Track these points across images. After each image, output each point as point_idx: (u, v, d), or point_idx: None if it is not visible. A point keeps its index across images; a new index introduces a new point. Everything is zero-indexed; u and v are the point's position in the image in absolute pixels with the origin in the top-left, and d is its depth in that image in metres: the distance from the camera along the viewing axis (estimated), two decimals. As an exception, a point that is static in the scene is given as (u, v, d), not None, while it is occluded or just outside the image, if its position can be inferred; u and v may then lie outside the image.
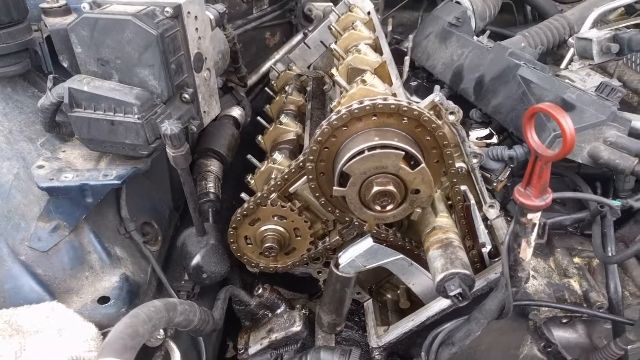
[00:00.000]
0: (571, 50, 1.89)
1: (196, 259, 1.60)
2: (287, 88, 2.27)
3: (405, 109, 1.23)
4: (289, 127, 2.03)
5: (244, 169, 2.19)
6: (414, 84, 2.29)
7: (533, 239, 1.04)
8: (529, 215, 1.00)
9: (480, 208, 1.51)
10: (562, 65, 1.91)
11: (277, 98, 2.33)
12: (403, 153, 1.19)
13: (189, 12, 1.47)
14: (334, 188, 1.25)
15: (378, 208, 1.23)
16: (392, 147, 1.21)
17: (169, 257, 1.82)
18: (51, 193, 1.43)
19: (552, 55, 2.34)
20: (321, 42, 2.57)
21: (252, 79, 2.78)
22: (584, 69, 1.72)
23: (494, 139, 1.81)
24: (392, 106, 1.23)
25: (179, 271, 1.79)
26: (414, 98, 2.24)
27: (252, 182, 1.78)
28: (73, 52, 1.44)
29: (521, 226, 1.03)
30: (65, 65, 1.52)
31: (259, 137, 2.08)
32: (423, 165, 1.20)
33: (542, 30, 1.96)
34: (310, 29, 2.85)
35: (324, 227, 1.55)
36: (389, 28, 2.60)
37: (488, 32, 2.22)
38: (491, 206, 1.50)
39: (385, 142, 1.21)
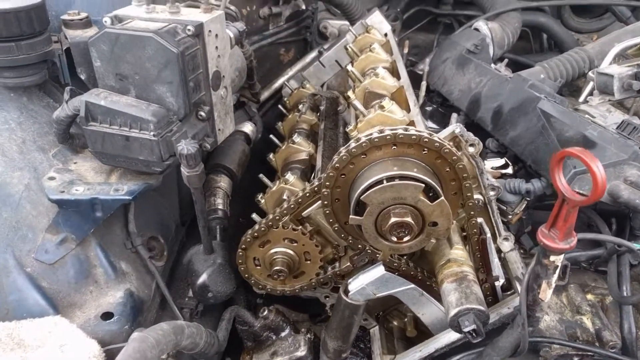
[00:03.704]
0: (590, 84, 1.87)
1: (202, 278, 1.57)
2: (300, 107, 2.26)
3: (426, 140, 1.21)
4: (302, 147, 2.02)
5: (251, 185, 2.17)
6: (429, 109, 2.27)
7: (554, 281, 1.02)
8: (552, 258, 0.97)
9: (494, 240, 1.48)
10: (581, 99, 1.89)
11: (290, 116, 2.31)
12: (423, 185, 1.17)
13: (210, 31, 1.47)
14: (350, 217, 1.22)
15: (394, 239, 1.21)
16: (411, 178, 1.19)
17: (173, 273, 1.79)
18: (61, 205, 1.41)
19: (568, 86, 2.32)
20: (336, 61, 2.56)
21: (264, 95, 2.77)
22: (604, 104, 1.71)
23: (510, 170, 1.79)
24: (414, 137, 1.21)
25: (183, 287, 1.76)
26: (429, 123, 2.23)
27: (263, 201, 1.76)
28: (91, 65, 1.44)
29: (543, 267, 1.00)
30: (82, 77, 1.52)
31: (270, 155, 2.07)
32: (442, 198, 1.18)
33: (562, 63, 1.95)
34: (325, 47, 2.85)
35: (335, 252, 1.53)
36: (405, 50, 2.60)
37: (506, 60, 2.22)
38: (506, 239, 1.48)
39: (404, 172, 1.19)
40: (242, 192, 2.21)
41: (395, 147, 1.24)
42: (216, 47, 1.52)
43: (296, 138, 2.01)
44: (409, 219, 1.17)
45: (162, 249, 1.77)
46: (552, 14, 3.14)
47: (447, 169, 1.27)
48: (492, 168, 1.81)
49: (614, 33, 2.05)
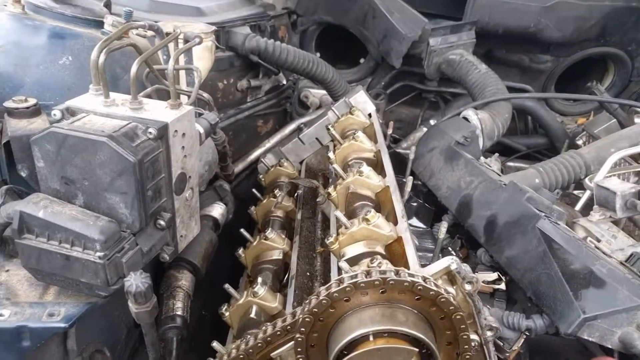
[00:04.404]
0: (587, 193, 1.75)
1: (150, 416, 1.33)
2: (277, 193, 2.08)
3: (420, 287, 1.03)
4: (275, 244, 1.82)
5: (217, 269, 1.95)
6: (414, 204, 2.12)
7: None
8: None
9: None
10: (578, 207, 1.77)
11: (265, 201, 2.12)
12: (416, 350, 0.98)
13: (176, 131, 1.28)
14: (329, 382, 1.02)
15: (380, 410, 1.01)
16: (402, 335, 1.00)
17: (119, 392, 1.54)
18: (-20, 334, 1.17)
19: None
20: (316, 139, 2.42)
21: (238, 167, 2.59)
22: (605, 221, 1.58)
23: (502, 286, 1.63)
24: (406, 284, 1.03)
25: (129, 412, 1.51)
26: (414, 221, 2.07)
27: (227, 314, 1.54)
28: (34, 163, 1.23)
29: None
30: (23, 174, 1.31)
31: (240, 251, 1.87)
32: (438, 362, 0.99)
33: (558, 167, 1.83)
34: (305, 121, 2.71)
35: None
36: (390, 131, 2.47)
37: (497, 154, 2.10)
38: (503, 383, 1.30)
39: (395, 328, 1.01)
40: (207, 277, 1.99)
41: (384, 291, 1.06)
42: (182, 147, 1.34)
43: (269, 233, 1.82)
44: (398, 390, 0.98)
45: (107, 365, 1.53)
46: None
47: (442, 317, 1.09)
48: (483, 282, 1.64)
49: (609, 137, 1.96)
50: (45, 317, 1.20)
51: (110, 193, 1.20)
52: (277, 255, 1.80)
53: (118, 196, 1.20)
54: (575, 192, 2.20)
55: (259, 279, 1.59)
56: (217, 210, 2.12)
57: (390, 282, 1.04)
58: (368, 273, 1.05)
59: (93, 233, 1.15)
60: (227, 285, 1.58)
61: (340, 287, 1.05)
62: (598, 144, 1.94)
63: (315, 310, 1.07)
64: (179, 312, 1.65)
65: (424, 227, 2.07)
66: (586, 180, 1.78)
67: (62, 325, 1.20)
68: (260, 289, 1.52)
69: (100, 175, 1.18)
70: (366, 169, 1.69)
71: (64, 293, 1.30)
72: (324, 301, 1.06)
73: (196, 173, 1.45)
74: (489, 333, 1.27)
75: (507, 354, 1.41)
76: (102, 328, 1.57)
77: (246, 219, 2.24)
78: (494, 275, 1.65)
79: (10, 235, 1.32)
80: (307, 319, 1.08)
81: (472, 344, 1.23)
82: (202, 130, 1.44)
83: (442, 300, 1.05)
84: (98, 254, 1.14)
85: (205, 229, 1.99)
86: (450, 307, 1.06)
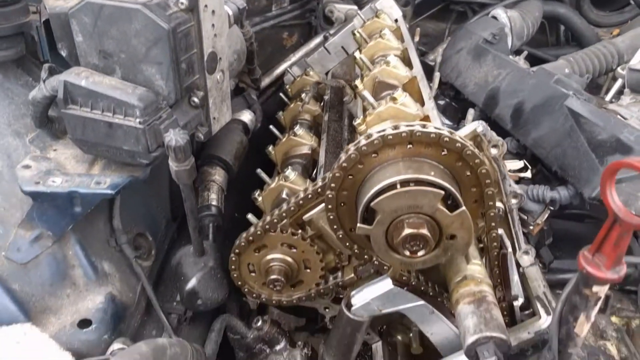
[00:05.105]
0: (619, 81, 1.73)
1: (192, 283, 1.42)
2: (303, 96, 2.11)
3: (446, 139, 1.06)
4: (304, 140, 1.87)
5: (248, 177, 2.02)
6: (441, 102, 2.12)
7: (594, 314, 0.88)
8: (595, 288, 0.83)
9: (513, 252, 1.35)
10: (608, 97, 1.75)
11: (292, 105, 2.16)
12: (442, 192, 1.02)
13: (206, 6, 1.31)
14: (358, 225, 1.08)
15: (407, 253, 1.06)
16: (429, 184, 1.04)
17: (161, 274, 1.65)
18: (36, 198, 1.27)
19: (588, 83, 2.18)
20: (342, 47, 2.40)
21: (265, 81, 2.60)
22: (636, 104, 1.56)
23: (528, 174, 1.64)
24: (432, 135, 1.06)
25: (172, 290, 1.62)
26: (442, 119, 2.08)
27: (260, 199, 1.61)
28: (73, 40, 1.29)
29: (582, 298, 0.86)
30: (63, 54, 1.36)
31: (270, 148, 1.92)
32: (463, 208, 1.04)
33: (589, 57, 1.80)
34: (331, 32, 2.68)
35: (337, 260, 1.39)
36: (416, 39, 2.44)
37: (525, 52, 2.06)
38: (526, 252, 1.35)
39: (421, 176, 1.04)
40: (238, 184, 2.06)
41: (411, 146, 1.09)
42: (212, 25, 1.36)
43: (298, 130, 1.87)
44: (425, 231, 1.03)
45: (149, 248, 1.63)
46: (571, 5, 2.97)
47: (468, 174, 1.12)
48: (509, 171, 1.66)
49: (645, 27, 1.90)
50: (93, 185, 1.29)
51: (146, 64, 1.25)
52: (305, 150, 1.85)
53: (154, 67, 1.24)
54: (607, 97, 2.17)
55: (289, 167, 1.64)
56: (246, 116, 2.17)
57: (417, 134, 1.07)
58: (395, 127, 1.09)
59: (132, 100, 1.21)
60: (259, 170, 1.65)
61: (369, 141, 1.08)
62: (632, 33, 1.88)
63: (345, 164, 1.11)
64: (214, 203, 1.73)
65: (451, 123, 2.08)
66: (618, 69, 1.75)
67: (109, 191, 1.28)
68: (291, 174, 1.57)
69: (136, 46, 1.22)
70: (393, 59, 1.70)
71: (108, 168, 1.39)
72: (352, 155, 1.10)
73: (226, 56, 1.48)
74: (513, 200, 1.31)
75: (531, 227, 1.45)
76: (144, 217, 1.67)
77: (274, 137, 2.27)
78: (520, 164, 1.66)
79: (55, 115, 1.39)
80: (337, 174, 1.12)
81: (498, 211, 1.28)
82: (230, 12, 1.47)
83: (468, 153, 1.08)
84: (138, 119, 1.21)
85: (236, 130, 2.05)
86: (476, 161, 1.09)
